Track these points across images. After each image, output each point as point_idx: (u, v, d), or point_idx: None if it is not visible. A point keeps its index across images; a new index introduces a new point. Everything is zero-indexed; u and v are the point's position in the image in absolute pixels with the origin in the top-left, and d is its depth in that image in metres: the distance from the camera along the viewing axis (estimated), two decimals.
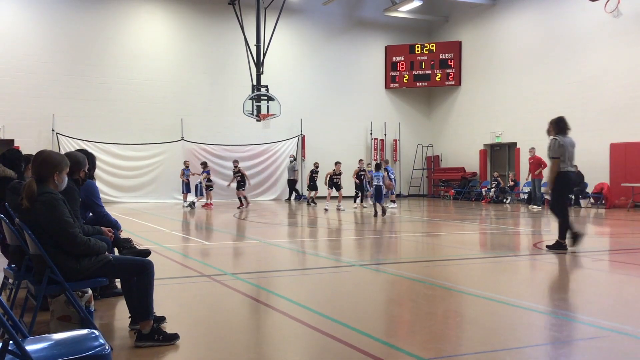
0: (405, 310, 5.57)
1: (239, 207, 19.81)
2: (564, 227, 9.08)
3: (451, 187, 26.57)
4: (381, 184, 15.88)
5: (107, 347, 2.71)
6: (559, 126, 9.31)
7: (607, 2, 19.91)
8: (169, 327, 4.67)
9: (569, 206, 10.60)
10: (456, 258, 8.95)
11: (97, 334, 2.87)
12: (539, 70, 23.22)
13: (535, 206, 19.92)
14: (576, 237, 9.07)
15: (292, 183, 23.97)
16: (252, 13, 23.70)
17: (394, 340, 4.55)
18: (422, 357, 3.99)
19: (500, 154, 26.12)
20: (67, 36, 22.73)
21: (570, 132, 9.33)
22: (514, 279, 7.38)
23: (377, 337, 4.54)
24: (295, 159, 24.56)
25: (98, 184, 6.30)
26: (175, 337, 4.38)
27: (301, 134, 26.16)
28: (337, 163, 20.42)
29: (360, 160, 21.25)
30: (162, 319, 4.82)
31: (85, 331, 2.97)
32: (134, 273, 4.37)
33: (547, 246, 9.38)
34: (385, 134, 28.13)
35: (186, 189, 21.30)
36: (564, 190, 9.28)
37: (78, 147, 18.81)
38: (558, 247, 9.11)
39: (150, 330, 4.32)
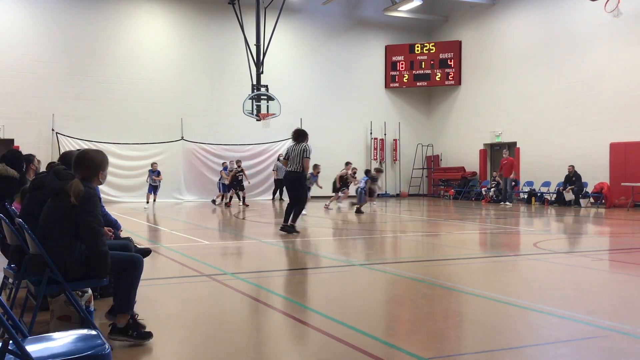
0: (405, 309, 5.57)
1: (237, 204, 20.16)
2: (297, 214, 11.46)
3: (451, 187, 26.56)
4: (362, 186, 17.83)
5: (106, 346, 2.71)
6: (304, 136, 11.51)
7: (607, 1, 19.91)
8: (168, 327, 4.67)
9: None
10: (456, 258, 8.95)
11: (97, 333, 2.88)
12: (539, 69, 23.22)
13: (508, 203, 21.45)
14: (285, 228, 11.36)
15: (281, 183, 22.99)
16: (252, 12, 23.70)
17: (394, 339, 4.55)
18: (422, 357, 3.99)
19: (500, 154, 26.10)
20: (67, 36, 22.73)
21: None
22: (514, 278, 7.39)
23: (377, 336, 4.54)
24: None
25: None
26: (148, 335, 4.36)
27: None
28: (347, 164, 19.74)
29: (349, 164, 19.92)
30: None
31: (85, 331, 2.97)
32: (126, 267, 4.40)
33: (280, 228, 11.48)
34: (385, 134, 28.13)
35: (223, 188, 21.16)
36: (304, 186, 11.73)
37: (78, 147, 18.85)
38: (291, 229, 11.29)
39: (126, 325, 4.33)
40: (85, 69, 22.99)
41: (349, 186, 19.46)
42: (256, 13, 23.43)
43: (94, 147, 20.75)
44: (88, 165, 4.35)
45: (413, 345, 4.29)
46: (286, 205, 11.77)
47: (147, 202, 19.74)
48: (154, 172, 20.12)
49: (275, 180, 22.89)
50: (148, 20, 24.15)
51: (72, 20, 22.80)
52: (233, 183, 20.54)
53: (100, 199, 5.91)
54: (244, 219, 16.09)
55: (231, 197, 20.86)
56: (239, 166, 20.88)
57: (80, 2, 22.94)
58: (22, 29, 22.10)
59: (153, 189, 20.03)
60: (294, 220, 11.44)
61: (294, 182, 11.50)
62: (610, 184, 19.97)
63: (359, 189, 17.95)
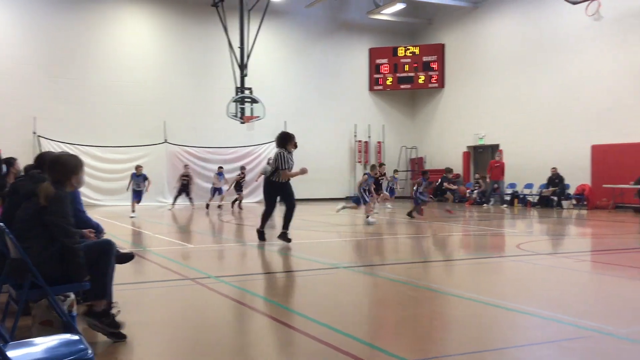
0: (390, 312, 5.58)
1: (236, 207, 20.57)
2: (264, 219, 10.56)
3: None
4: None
5: (89, 351, 2.68)
6: (281, 140, 10.52)
7: (588, 5, 20.15)
8: (152, 331, 4.63)
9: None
10: (440, 260, 8.98)
11: (80, 338, 2.85)
12: (522, 72, 23.43)
13: (505, 206, 21.55)
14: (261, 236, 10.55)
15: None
16: (236, 15, 23.61)
17: (379, 342, 4.55)
18: (407, 359, 3.99)
19: (483, 156, 26.28)
20: (48, 38, 22.51)
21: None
22: (498, 280, 7.43)
23: (362, 339, 4.54)
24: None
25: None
26: (119, 326, 4.43)
27: None
28: (382, 165, 19.96)
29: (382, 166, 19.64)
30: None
31: (67, 336, 2.93)
32: (98, 253, 4.41)
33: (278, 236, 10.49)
34: (369, 136, 28.20)
35: (218, 193, 21.19)
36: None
37: (60, 150, 18.61)
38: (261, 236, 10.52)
39: (102, 311, 4.39)
40: (67, 71, 22.78)
41: (382, 187, 19.58)
42: (240, 16, 23.35)
43: (75, 151, 20.64)
44: (61, 169, 4.37)
45: (398, 347, 4.29)
46: (284, 212, 10.66)
47: (134, 211, 17.57)
48: (139, 177, 18.33)
49: None
50: (131, 22, 24.00)
51: (54, 23, 22.59)
52: (234, 187, 20.95)
53: (81, 203, 5.87)
54: (227, 222, 16.02)
55: (236, 199, 20.90)
56: (243, 172, 21.38)
57: (62, 4, 22.73)
58: (3, 31, 21.85)
59: (137, 194, 18.26)
60: (262, 226, 10.57)
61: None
62: (592, 186, 20.18)
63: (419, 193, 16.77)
